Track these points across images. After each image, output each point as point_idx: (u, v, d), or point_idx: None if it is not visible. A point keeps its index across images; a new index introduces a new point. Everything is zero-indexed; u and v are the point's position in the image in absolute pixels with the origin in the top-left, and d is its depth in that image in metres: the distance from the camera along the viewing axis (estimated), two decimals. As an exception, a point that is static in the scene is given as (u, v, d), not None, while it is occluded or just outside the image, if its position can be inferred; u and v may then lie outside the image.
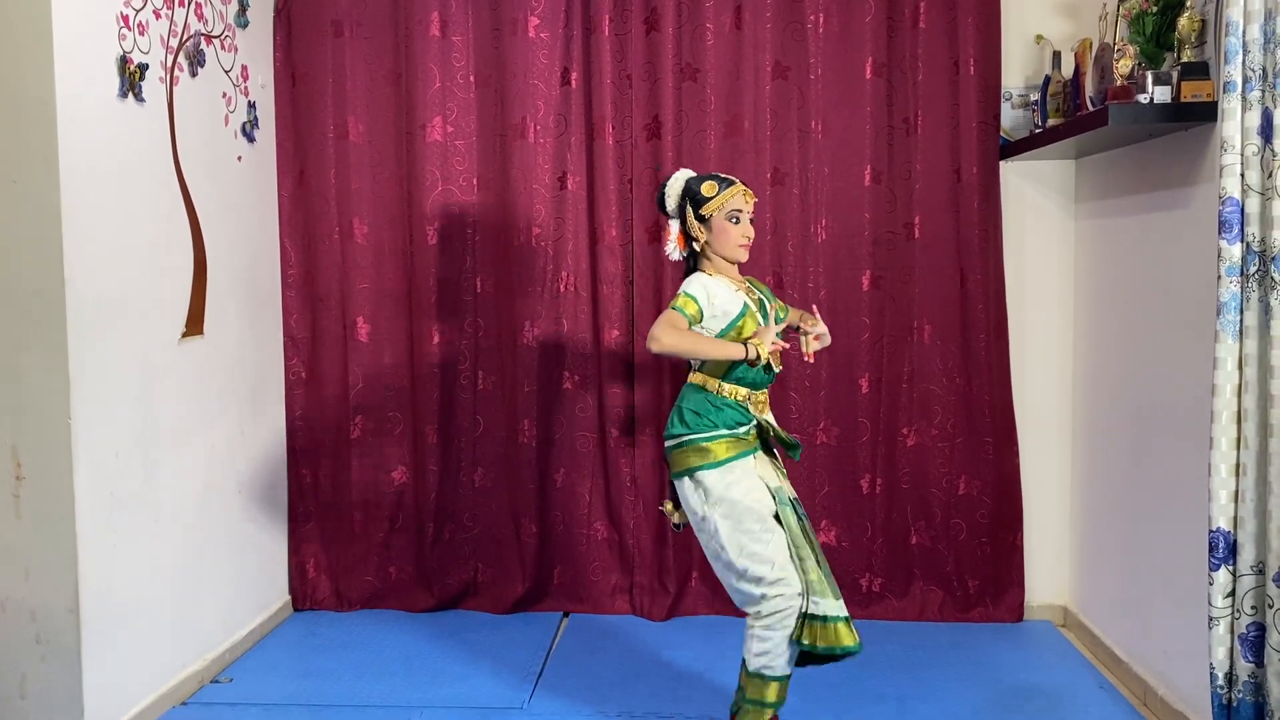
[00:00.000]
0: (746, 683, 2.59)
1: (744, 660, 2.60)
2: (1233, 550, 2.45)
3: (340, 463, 3.90)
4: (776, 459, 2.74)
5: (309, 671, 3.39)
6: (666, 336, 2.51)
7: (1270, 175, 2.37)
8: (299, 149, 3.83)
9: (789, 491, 2.66)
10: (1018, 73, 3.70)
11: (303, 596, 3.93)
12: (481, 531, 3.90)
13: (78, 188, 2.65)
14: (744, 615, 2.60)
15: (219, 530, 3.42)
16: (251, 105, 3.62)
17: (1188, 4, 2.70)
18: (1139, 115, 2.75)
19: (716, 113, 3.71)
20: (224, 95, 3.44)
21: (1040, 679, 3.31)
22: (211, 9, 3.34)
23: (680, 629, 3.74)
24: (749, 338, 2.58)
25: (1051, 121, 3.41)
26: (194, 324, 3.24)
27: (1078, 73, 3.30)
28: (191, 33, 3.22)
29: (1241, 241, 2.41)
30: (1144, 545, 3.16)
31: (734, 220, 2.61)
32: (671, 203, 2.69)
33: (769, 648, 2.53)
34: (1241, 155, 2.39)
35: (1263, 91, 2.36)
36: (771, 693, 2.56)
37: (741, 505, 2.53)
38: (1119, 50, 2.89)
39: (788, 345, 2.67)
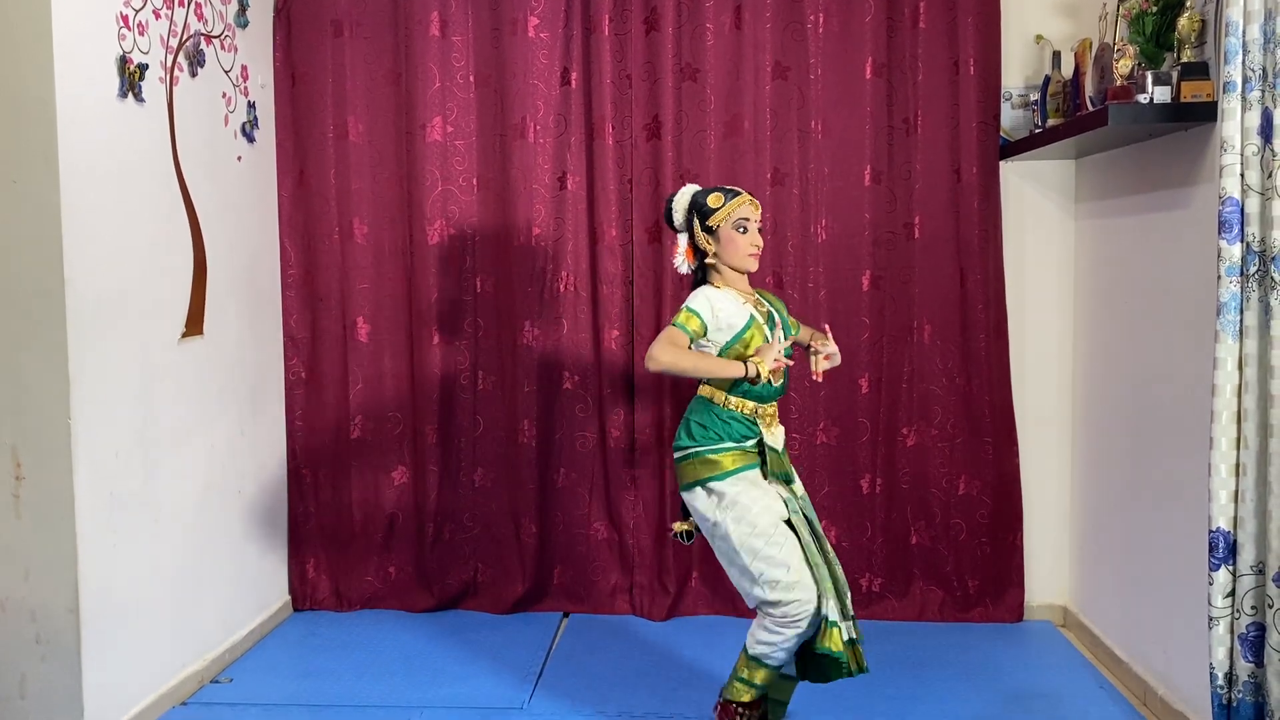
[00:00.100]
0: (742, 662, 2.63)
1: (745, 643, 2.62)
2: (1233, 550, 2.45)
3: (340, 463, 3.90)
4: (786, 469, 2.70)
5: (309, 671, 3.39)
6: (664, 354, 2.51)
7: (1270, 175, 2.37)
8: (299, 149, 3.83)
9: (797, 503, 2.64)
10: (1018, 73, 3.70)
11: (303, 596, 3.93)
12: (481, 531, 3.91)
13: (78, 188, 2.65)
14: (749, 615, 2.61)
15: (219, 530, 3.42)
16: (251, 105, 3.62)
17: (1188, 4, 2.70)
18: (1139, 115, 2.75)
19: (716, 113, 3.71)
20: (224, 95, 3.44)
21: (1040, 679, 3.31)
22: (211, 9, 3.34)
23: (680, 629, 3.74)
24: (750, 356, 2.57)
25: (1051, 121, 3.41)
26: (194, 324, 3.24)
27: (1078, 73, 3.30)
28: (191, 33, 3.22)
29: (1241, 241, 2.41)
30: (1144, 545, 3.16)
31: (741, 230, 2.61)
32: (679, 217, 2.69)
33: (774, 640, 2.54)
34: (1241, 155, 2.39)
35: (1263, 91, 2.36)
36: (760, 676, 2.60)
37: (753, 510, 2.53)
38: (1119, 50, 2.89)
39: (791, 363, 2.63)
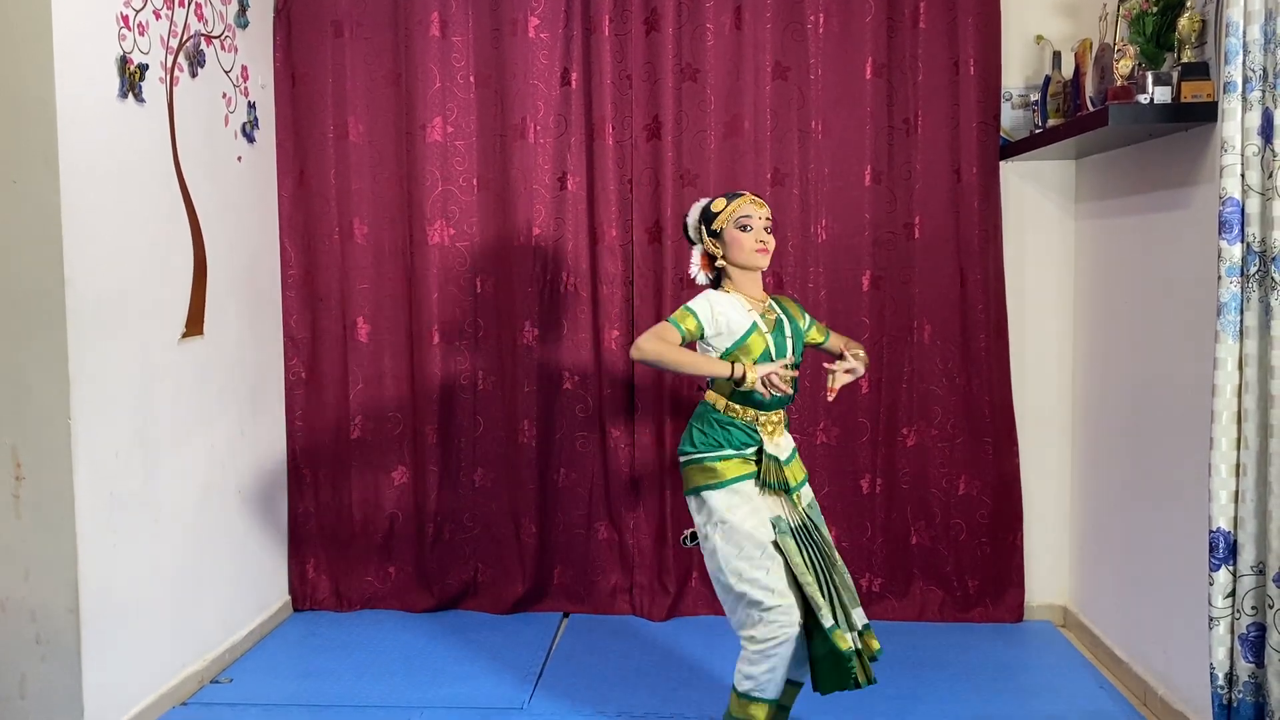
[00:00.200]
0: (734, 703, 2.56)
1: (734, 682, 2.55)
2: (1233, 550, 2.45)
3: (340, 463, 3.90)
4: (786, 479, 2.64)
5: (309, 672, 3.39)
6: (649, 345, 2.50)
7: (1270, 175, 2.37)
8: (299, 149, 3.83)
9: (796, 518, 2.59)
10: (1018, 73, 3.70)
11: (303, 596, 3.93)
12: (481, 531, 3.90)
13: (78, 188, 2.65)
14: None
15: (219, 530, 3.42)
16: (251, 105, 3.62)
17: (1188, 4, 2.70)
18: (1139, 115, 2.75)
19: (716, 113, 3.71)
20: (224, 95, 3.44)
21: (1040, 679, 3.31)
22: (211, 9, 3.34)
23: (680, 629, 3.73)
24: (736, 358, 2.53)
25: (1051, 122, 3.41)
26: (194, 324, 3.24)
27: (1078, 73, 3.30)
28: (191, 33, 3.22)
29: (1242, 242, 2.41)
30: (1144, 545, 3.16)
31: (744, 228, 2.59)
32: (692, 230, 2.69)
33: (757, 674, 2.49)
34: (1242, 155, 2.39)
35: (1263, 92, 2.36)
36: (760, 712, 2.52)
37: (741, 531, 2.50)
38: (1119, 50, 2.89)
39: (794, 373, 2.59)
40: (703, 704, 3.08)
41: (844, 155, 3.72)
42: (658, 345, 2.51)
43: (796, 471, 2.65)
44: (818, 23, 3.67)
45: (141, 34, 2.94)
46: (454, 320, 3.84)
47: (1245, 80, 2.37)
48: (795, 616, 2.45)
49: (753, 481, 2.57)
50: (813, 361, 3.58)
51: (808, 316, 2.80)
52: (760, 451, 2.58)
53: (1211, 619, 2.47)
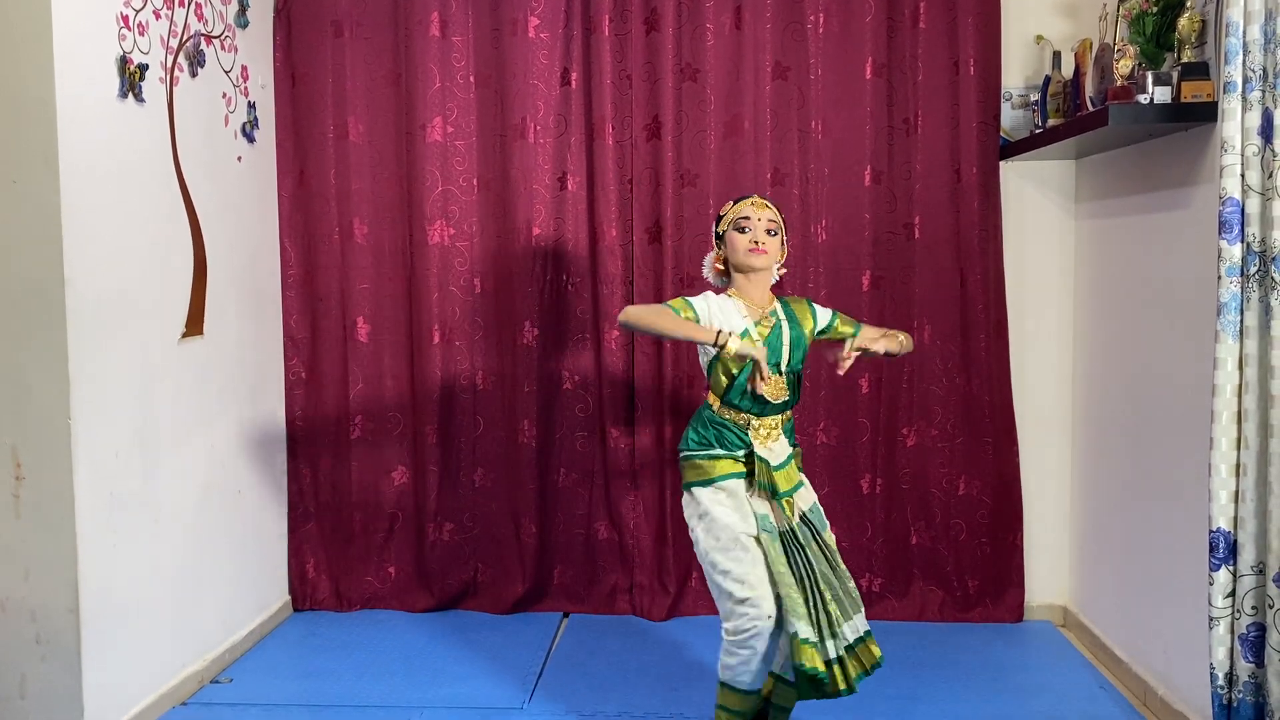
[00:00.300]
0: (719, 692, 2.60)
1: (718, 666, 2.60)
2: (1233, 550, 2.45)
3: (340, 463, 3.90)
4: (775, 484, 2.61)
5: (309, 671, 3.39)
6: (633, 309, 2.56)
7: (1270, 175, 2.37)
8: (299, 149, 3.83)
9: (784, 520, 2.57)
10: (1018, 73, 3.70)
11: (303, 597, 3.93)
12: (481, 531, 3.91)
13: (78, 188, 2.65)
14: None
15: (219, 530, 3.42)
16: (251, 105, 3.62)
17: (1188, 4, 2.70)
18: (1139, 115, 2.75)
19: (716, 113, 3.71)
20: (224, 95, 3.44)
21: (1040, 679, 3.31)
22: (211, 9, 3.34)
23: (680, 629, 3.74)
24: (720, 330, 2.50)
25: (1051, 122, 3.41)
26: (194, 324, 3.24)
27: (1078, 73, 3.30)
28: (191, 33, 3.22)
29: (1241, 242, 2.41)
30: (1144, 545, 3.16)
31: (741, 230, 2.59)
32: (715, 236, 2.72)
33: (734, 663, 2.52)
34: (1242, 155, 2.39)
35: (1263, 92, 2.36)
36: (735, 702, 2.56)
37: (720, 523, 2.53)
38: (1119, 50, 2.89)
39: (766, 383, 2.50)
40: (703, 704, 3.07)
41: (844, 155, 3.72)
42: (641, 309, 2.58)
43: (789, 477, 2.60)
44: (818, 23, 3.67)
45: (141, 34, 2.94)
46: (454, 320, 3.84)
47: (1245, 80, 2.37)
48: (766, 610, 2.46)
49: (743, 481, 2.58)
50: (811, 363, 3.58)
51: (828, 314, 2.73)
52: (751, 455, 2.58)
53: (1211, 619, 2.48)
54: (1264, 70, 2.36)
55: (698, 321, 2.55)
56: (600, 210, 3.77)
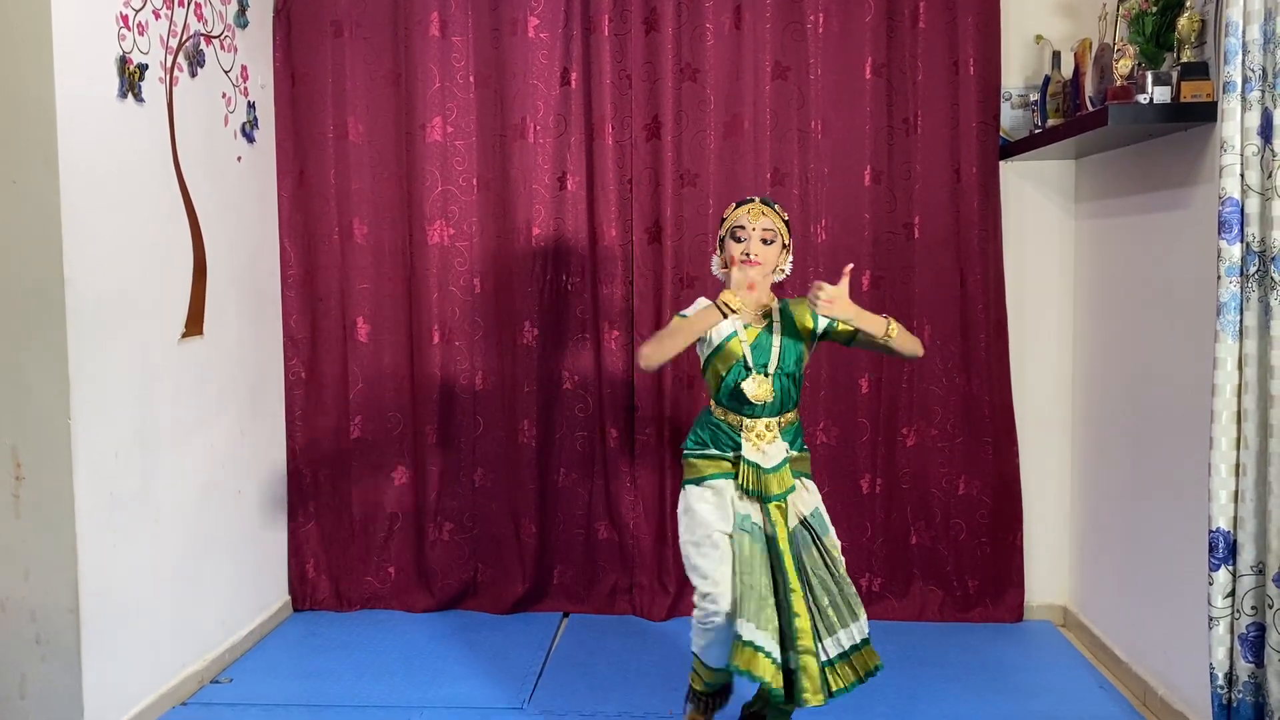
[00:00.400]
0: (693, 658, 2.69)
1: None
2: (1233, 550, 2.45)
3: (340, 463, 3.90)
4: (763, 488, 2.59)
5: (309, 672, 3.39)
6: (645, 348, 2.58)
7: (1270, 175, 2.37)
8: (299, 149, 3.83)
9: (769, 527, 2.55)
10: (1018, 73, 3.70)
11: (303, 597, 3.93)
12: (481, 531, 3.91)
13: (78, 188, 2.65)
14: None
15: (219, 530, 3.42)
16: (251, 105, 3.62)
17: (1188, 4, 2.70)
18: (1139, 115, 2.75)
19: (716, 113, 3.71)
20: (224, 95, 3.44)
21: (1040, 679, 3.31)
22: (211, 9, 3.34)
23: (680, 629, 3.73)
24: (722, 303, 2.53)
25: (1051, 121, 3.41)
26: (194, 324, 3.24)
27: (1077, 73, 3.30)
28: (191, 33, 3.22)
29: (1241, 241, 2.41)
30: (1144, 545, 3.16)
31: (736, 239, 2.59)
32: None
33: (702, 642, 2.60)
34: (1241, 155, 2.39)
35: (1262, 91, 2.36)
36: (707, 674, 2.65)
37: (698, 519, 2.59)
38: (1119, 50, 2.89)
39: (754, 387, 2.54)
40: (703, 704, 3.08)
41: (844, 155, 3.72)
42: (652, 342, 2.59)
43: (781, 481, 2.57)
44: (817, 23, 3.67)
45: (141, 34, 2.94)
46: (454, 320, 3.84)
47: (1245, 80, 2.37)
48: (723, 606, 2.51)
49: (731, 481, 2.60)
50: (812, 366, 3.58)
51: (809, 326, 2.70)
52: (737, 459, 2.59)
53: (1211, 619, 2.47)
54: (1263, 70, 2.36)
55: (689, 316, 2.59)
56: (600, 210, 3.77)
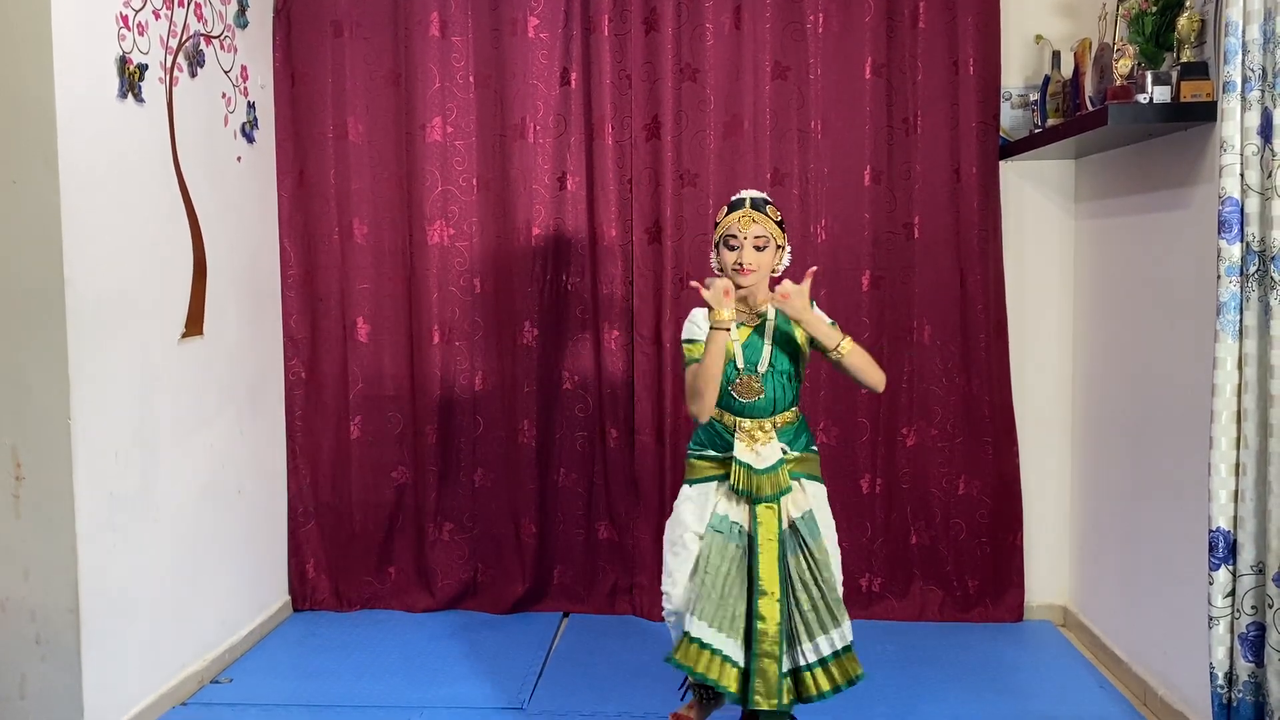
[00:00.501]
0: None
1: None
2: (1233, 550, 2.45)
3: (340, 463, 3.91)
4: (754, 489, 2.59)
5: (309, 672, 3.39)
6: (692, 407, 2.58)
7: (1270, 175, 2.37)
8: (299, 149, 3.83)
9: (752, 527, 2.55)
10: (1017, 73, 3.70)
11: (302, 597, 3.93)
12: (481, 531, 3.91)
13: (78, 188, 2.65)
14: None
15: (219, 530, 3.42)
16: (251, 105, 3.62)
17: (1187, 4, 2.70)
18: (1139, 115, 2.75)
19: (716, 113, 3.71)
20: (223, 95, 3.44)
21: (1040, 679, 3.31)
22: (211, 9, 3.34)
23: (680, 629, 3.73)
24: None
25: (1051, 121, 3.41)
26: (194, 324, 3.24)
27: (1077, 73, 3.30)
28: (191, 33, 3.22)
29: (1241, 241, 2.41)
30: (1144, 545, 3.16)
31: (730, 247, 2.59)
32: None
33: (669, 622, 2.67)
34: (1241, 155, 2.39)
35: (1262, 91, 2.36)
36: (676, 645, 2.60)
37: (678, 518, 2.66)
38: (1119, 50, 2.89)
39: (748, 386, 2.58)
40: (702, 704, 3.07)
41: (843, 155, 3.72)
42: (693, 400, 2.58)
43: (775, 482, 2.55)
44: (817, 23, 3.67)
45: (141, 34, 2.94)
46: (454, 320, 3.84)
47: (1244, 80, 2.37)
48: (676, 604, 2.60)
49: (719, 484, 2.62)
50: (812, 366, 3.57)
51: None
52: (730, 460, 2.58)
53: (1211, 618, 2.47)
54: (1263, 70, 2.36)
55: (700, 346, 2.58)
56: (600, 210, 3.77)
